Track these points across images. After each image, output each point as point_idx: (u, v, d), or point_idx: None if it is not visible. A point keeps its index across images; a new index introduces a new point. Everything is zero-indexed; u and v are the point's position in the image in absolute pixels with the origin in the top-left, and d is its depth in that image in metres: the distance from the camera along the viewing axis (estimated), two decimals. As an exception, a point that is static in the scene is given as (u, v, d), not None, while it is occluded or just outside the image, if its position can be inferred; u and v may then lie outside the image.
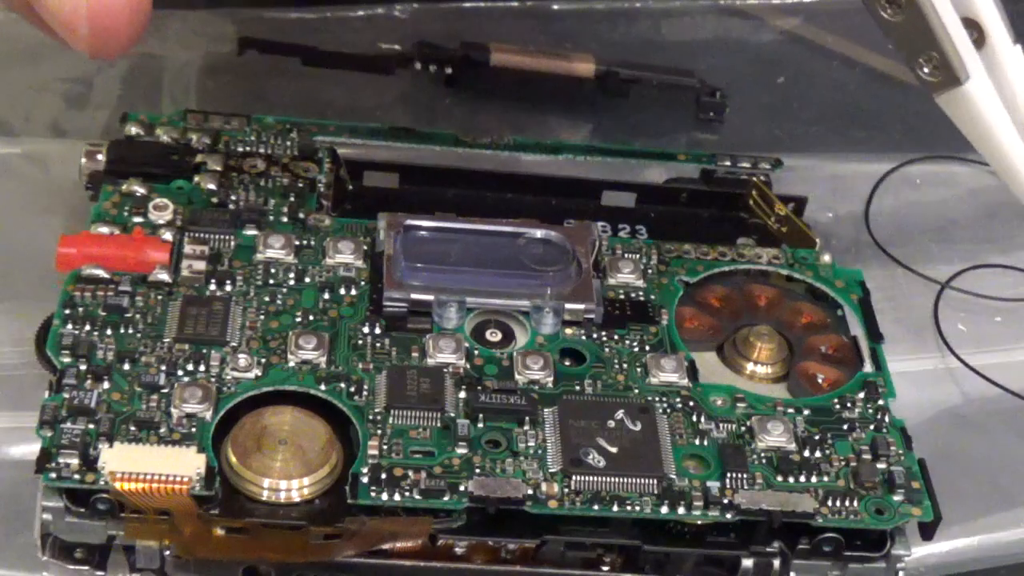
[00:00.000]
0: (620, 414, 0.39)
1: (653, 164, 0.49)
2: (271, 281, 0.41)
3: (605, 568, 0.38)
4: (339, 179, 0.46)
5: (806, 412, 0.40)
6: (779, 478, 0.38)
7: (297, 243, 0.42)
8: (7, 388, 0.42)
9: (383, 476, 0.36)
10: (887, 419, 0.40)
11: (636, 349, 0.41)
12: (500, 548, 0.37)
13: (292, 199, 0.44)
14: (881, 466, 0.38)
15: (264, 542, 0.36)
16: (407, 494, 0.36)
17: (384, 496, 0.36)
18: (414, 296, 0.41)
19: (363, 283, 0.42)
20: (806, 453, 0.39)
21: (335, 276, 0.42)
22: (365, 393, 0.39)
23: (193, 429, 0.37)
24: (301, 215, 0.43)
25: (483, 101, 0.55)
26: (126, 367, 0.38)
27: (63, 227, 0.42)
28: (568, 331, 0.41)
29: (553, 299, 0.41)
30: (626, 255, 0.44)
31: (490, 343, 0.41)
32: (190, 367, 0.38)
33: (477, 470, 0.37)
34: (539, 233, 0.43)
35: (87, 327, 0.39)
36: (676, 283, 0.43)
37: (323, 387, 0.39)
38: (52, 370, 0.38)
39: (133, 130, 0.45)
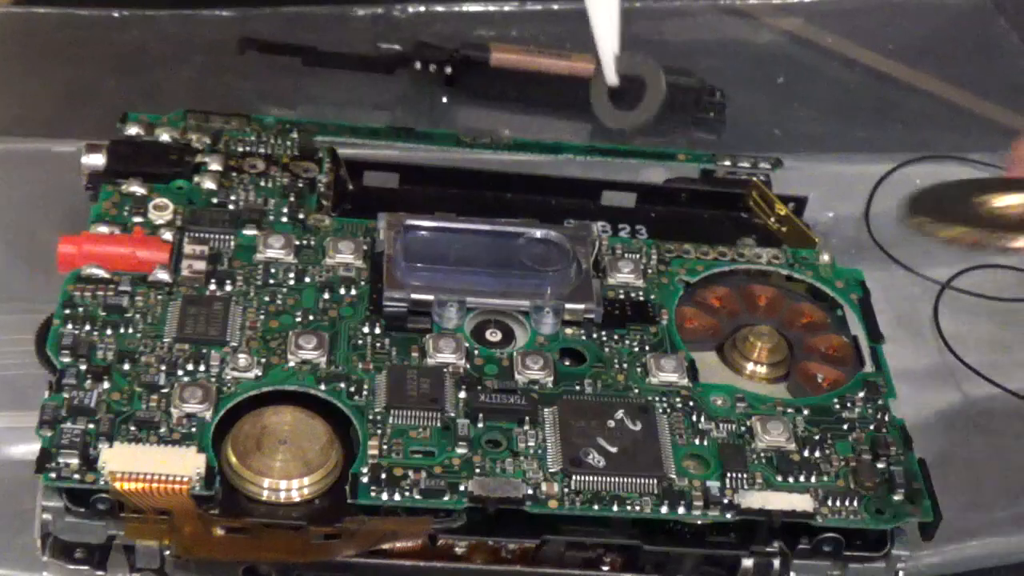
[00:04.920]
0: (620, 414, 0.39)
1: (653, 164, 0.49)
2: (271, 281, 0.41)
3: (605, 568, 0.38)
4: (339, 179, 0.46)
5: (806, 412, 0.40)
6: (779, 478, 0.38)
7: (297, 243, 0.42)
8: (7, 388, 0.42)
9: (383, 476, 0.36)
10: (887, 419, 0.40)
11: (636, 349, 0.41)
12: (500, 548, 0.37)
13: (292, 199, 0.44)
14: (881, 466, 0.38)
15: (264, 542, 0.36)
16: (407, 494, 0.36)
17: (384, 496, 0.36)
18: (414, 296, 0.41)
19: (363, 283, 0.42)
20: (806, 453, 0.39)
21: (335, 276, 0.42)
22: (365, 393, 0.39)
23: (193, 429, 0.37)
24: (301, 215, 0.43)
25: (483, 101, 0.55)
26: (126, 367, 0.38)
27: (63, 227, 0.42)
28: (568, 331, 0.41)
29: (553, 299, 0.41)
30: (626, 255, 0.44)
31: (490, 343, 0.41)
32: (190, 367, 0.38)
33: (477, 470, 0.37)
34: (539, 233, 0.43)
35: (87, 327, 0.39)
36: (676, 283, 0.43)
37: (323, 387, 0.39)
38: (52, 370, 0.38)
39: (133, 130, 0.45)
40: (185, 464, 0.36)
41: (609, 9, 0.36)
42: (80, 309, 0.39)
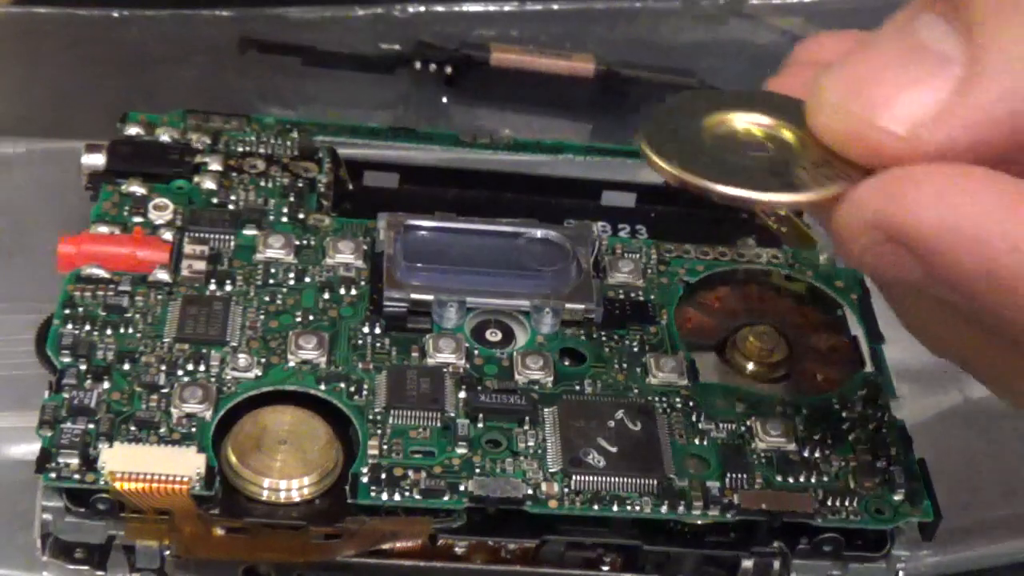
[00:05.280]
0: (620, 414, 0.39)
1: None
2: (271, 281, 0.41)
3: (605, 568, 0.38)
4: (339, 179, 0.46)
5: (806, 412, 0.40)
6: (779, 478, 0.38)
7: (297, 243, 0.42)
8: (7, 388, 0.42)
9: (383, 476, 0.36)
10: (887, 419, 0.40)
11: (636, 349, 0.41)
12: (500, 548, 0.37)
13: (292, 199, 0.44)
14: (881, 466, 0.38)
15: (264, 542, 0.36)
16: (407, 494, 0.36)
17: (384, 496, 0.36)
18: (414, 296, 0.41)
19: (363, 283, 0.42)
20: (806, 453, 0.39)
21: (335, 276, 0.42)
22: (365, 393, 0.39)
23: (193, 429, 0.37)
24: (301, 215, 0.43)
25: (483, 101, 0.55)
26: (126, 367, 0.38)
27: (63, 227, 0.42)
28: (568, 331, 0.41)
29: (553, 299, 0.41)
30: (626, 255, 0.44)
31: (490, 343, 0.41)
32: (190, 367, 0.38)
33: (477, 470, 0.37)
34: (539, 233, 0.43)
35: (87, 327, 0.39)
36: (676, 283, 0.43)
37: (323, 387, 0.39)
38: (52, 370, 0.38)
39: (133, 130, 0.45)
40: (185, 464, 0.36)
41: None
42: (80, 309, 0.39)
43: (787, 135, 0.31)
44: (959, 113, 0.28)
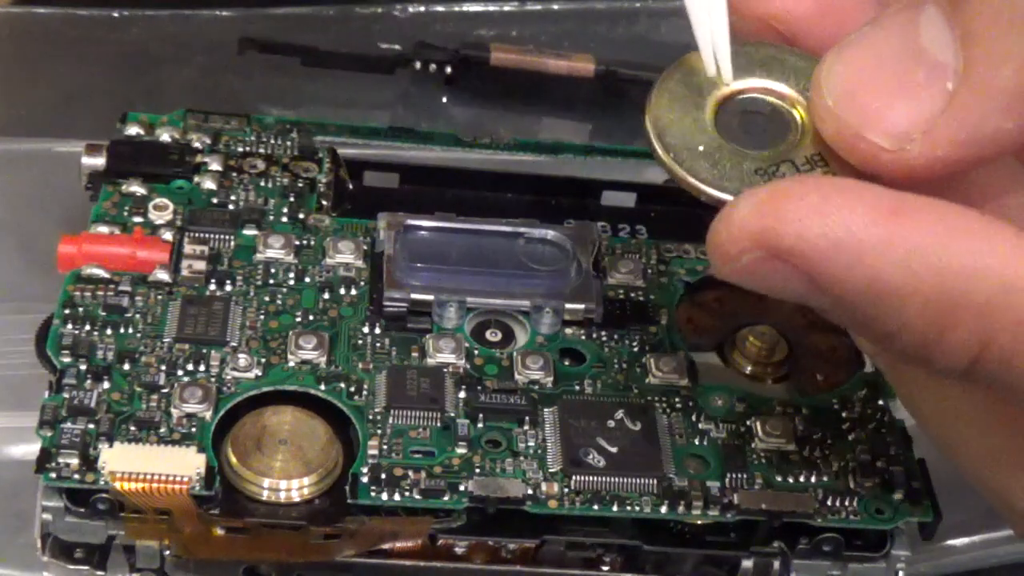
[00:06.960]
0: (620, 414, 0.39)
1: (653, 164, 0.49)
2: (271, 281, 0.41)
3: (605, 568, 0.38)
4: (339, 179, 0.46)
5: (806, 412, 0.40)
6: (779, 478, 0.38)
7: (297, 243, 0.42)
8: (7, 388, 0.42)
9: (383, 476, 0.36)
10: (887, 419, 0.40)
11: (636, 349, 0.41)
12: (500, 548, 0.37)
13: (292, 199, 0.44)
14: (881, 466, 0.38)
15: (264, 542, 0.36)
16: (407, 494, 0.36)
17: (384, 496, 0.36)
18: (414, 296, 0.41)
19: (363, 283, 0.42)
20: (806, 453, 0.39)
21: (335, 276, 0.42)
22: (365, 393, 0.39)
23: (193, 429, 0.37)
24: (301, 215, 0.43)
25: (483, 101, 0.55)
26: (126, 367, 0.38)
27: (63, 227, 0.42)
28: (568, 331, 0.41)
29: (553, 299, 0.41)
30: (626, 255, 0.44)
31: (490, 343, 0.41)
32: (190, 367, 0.38)
33: (477, 470, 0.37)
34: (539, 233, 0.43)
35: (87, 327, 0.39)
36: (676, 283, 0.43)
37: (323, 387, 0.39)
38: (52, 370, 0.38)
39: (133, 130, 0.45)
40: (185, 464, 0.36)
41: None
42: (80, 309, 0.39)
43: (795, 112, 0.30)
44: (944, 129, 0.28)
